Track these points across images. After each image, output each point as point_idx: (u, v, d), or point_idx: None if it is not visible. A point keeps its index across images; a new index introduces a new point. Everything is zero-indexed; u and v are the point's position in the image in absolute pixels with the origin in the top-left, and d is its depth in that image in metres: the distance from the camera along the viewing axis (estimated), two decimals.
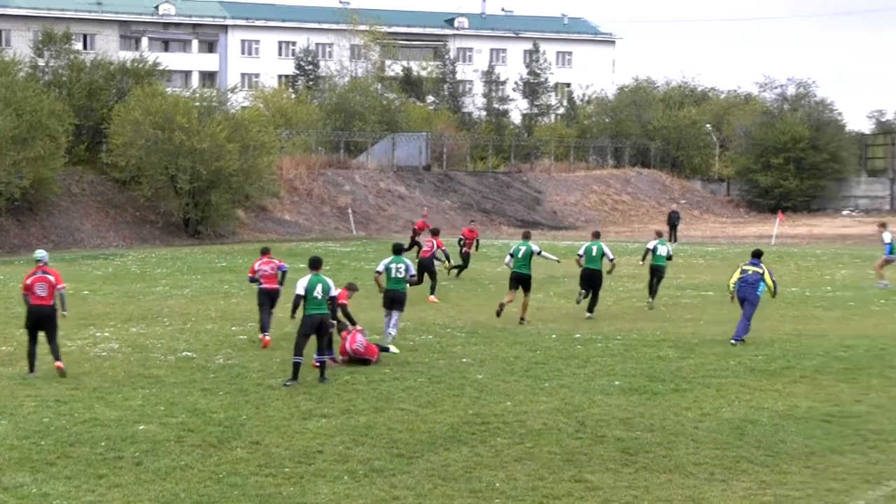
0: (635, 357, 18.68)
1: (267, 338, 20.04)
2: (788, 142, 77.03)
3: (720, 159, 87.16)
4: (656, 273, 26.12)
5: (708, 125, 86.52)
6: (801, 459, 12.08)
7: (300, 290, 16.64)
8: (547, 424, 13.78)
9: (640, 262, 27.89)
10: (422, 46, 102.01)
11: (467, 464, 12.07)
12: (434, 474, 11.69)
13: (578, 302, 24.53)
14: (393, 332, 20.23)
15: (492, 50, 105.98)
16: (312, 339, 16.57)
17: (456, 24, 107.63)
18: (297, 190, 61.28)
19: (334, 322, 17.80)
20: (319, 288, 16.68)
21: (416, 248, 36.23)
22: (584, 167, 79.75)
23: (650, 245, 26.45)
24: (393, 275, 20.26)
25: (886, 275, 30.64)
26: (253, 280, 20.82)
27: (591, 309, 24.25)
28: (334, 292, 17.14)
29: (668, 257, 26.18)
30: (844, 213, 77.22)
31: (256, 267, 20.71)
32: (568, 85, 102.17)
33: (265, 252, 21.12)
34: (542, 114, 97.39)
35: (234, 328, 22.26)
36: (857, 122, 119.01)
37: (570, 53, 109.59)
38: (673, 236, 51.58)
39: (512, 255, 23.15)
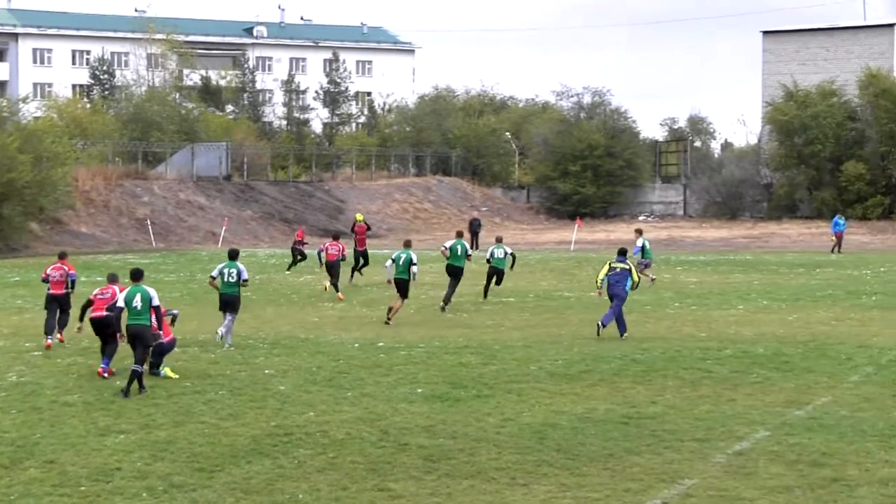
0: (438, 364, 18.74)
1: (49, 341, 20.48)
2: (585, 149, 79.10)
3: (520, 167, 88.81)
4: (495, 274, 28.57)
5: (507, 133, 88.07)
6: (600, 461, 12.30)
7: (120, 302, 16.74)
8: (350, 434, 13.66)
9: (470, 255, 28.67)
10: (220, 55, 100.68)
11: (269, 476, 11.86)
12: (236, 488, 11.44)
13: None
14: (222, 330, 20.86)
15: (291, 59, 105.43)
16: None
17: (255, 32, 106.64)
18: (94, 202, 59.54)
19: (159, 333, 17.41)
20: (138, 298, 16.54)
21: (300, 257, 39.43)
22: (386, 176, 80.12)
23: (490, 251, 29.02)
24: (226, 279, 20.96)
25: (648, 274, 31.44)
26: (45, 281, 21.50)
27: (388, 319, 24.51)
28: (156, 302, 16.74)
29: (512, 255, 28.90)
30: (640, 218, 79.67)
31: (49, 271, 21.39)
32: (368, 94, 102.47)
33: (62, 256, 21.91)
34: (343, 123, 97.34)
35: (27, 344, 21.38)
36: (651, 129, 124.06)
37: (370, 62, 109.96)
38: (475, 244, 52.24)
39: (394, 261, 25.02)
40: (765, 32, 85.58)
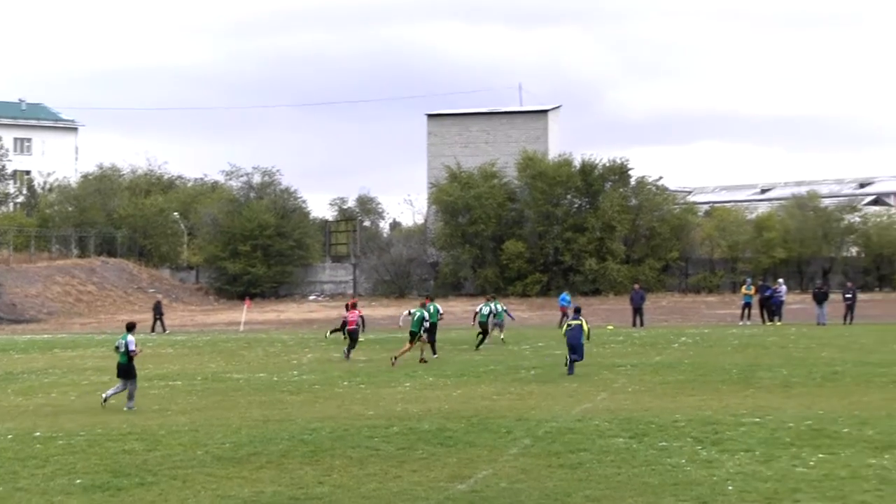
0: (99, 452, 17.96)
1: None
2: (255, 229, 78.98)
3: (189, 247, 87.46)
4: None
5: (175, 213, 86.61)
6: None
7: None
8: None
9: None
10: None
11: None
12: None
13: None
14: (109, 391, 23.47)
15: None
16: None
17: None
18: None
19: None
20: None
21: None
22: (47, 257, 76.95)
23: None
24: (121, 350, 23.52)
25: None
26: None
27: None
28: None
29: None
30: (311, 297, 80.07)
31: None
32: (28, 173, 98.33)
33: None
34: (0, 202, 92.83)
35: None
36: (321, 209, 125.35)
37: (29, 140, 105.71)
38: (159, 326, 51.14)
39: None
40: (429, 115, 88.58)
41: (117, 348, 24.17)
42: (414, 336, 33.29)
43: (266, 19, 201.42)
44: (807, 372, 27.21)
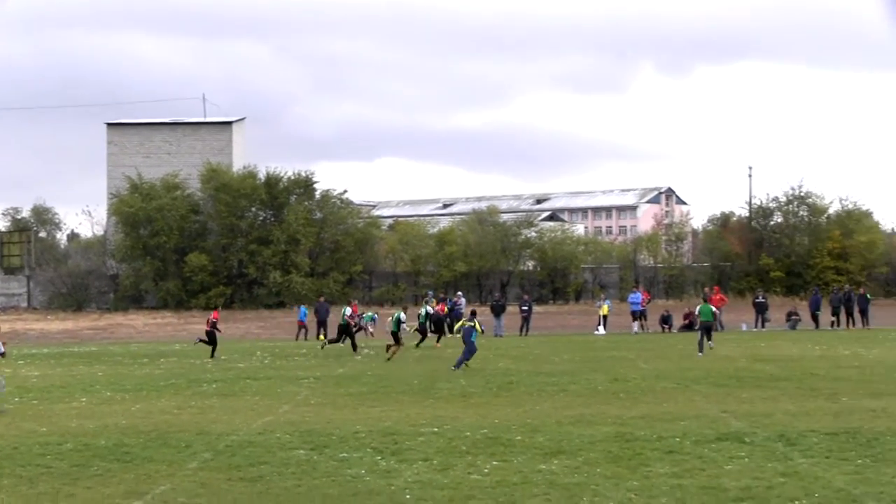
0: None
1: None
2: None
3: None
4: None
5: None
6: None
7: None
8: None
9: None
10: None
11: None
12: None
13: None
14: None
15: None
16: None
17: None
18: None
19: None
20: None
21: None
22: None
23: None
24: None
25: None
26: None
27: None
28: None
29: None
30: None
31: None
32: None
33: None
34: None
35: None
36: None
37: None
38: None
39: None
40: (109, 124, 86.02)
41: None
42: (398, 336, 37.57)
43: None
44: (484, 382, 28.08)
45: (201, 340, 40.30)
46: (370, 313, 51.32)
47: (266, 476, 15.57)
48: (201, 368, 34.28)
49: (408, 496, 13.95)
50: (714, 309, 39.33)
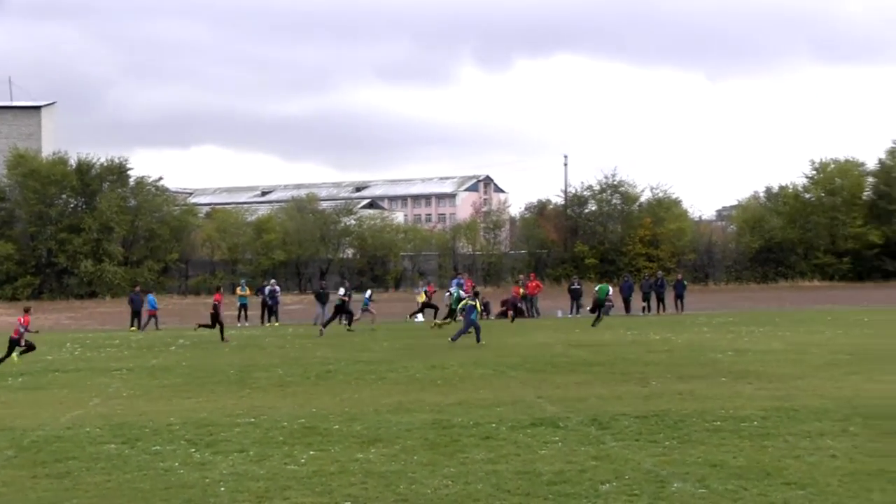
0: None
1: None
2: None
3: None
4: None
5: None
6: None
7: None
8: None
9: None
10: None
11: None
12: None
13: None
14: None
15: None
16: None
17: None
18: None
19: None
20: None
21: None
22: None
23: None
24: None
25: None
26: None
27: None
28: None
29: None
30: None
31: None
32: None
33: None
34: None
35: None
36: None
37: None
38: None
39: None
40: None
41: None
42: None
43: None
44: (302, 371, 27.87)
45: (202, 325, 42.72)
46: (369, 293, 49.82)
47: (74, 472, 15.06)
48: (8, 363, 32.97)
49: (222, 489, 13.70)
50: (609, 289, 45.71)
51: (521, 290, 52.71)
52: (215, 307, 40.81)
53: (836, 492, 12.72)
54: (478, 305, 36.70)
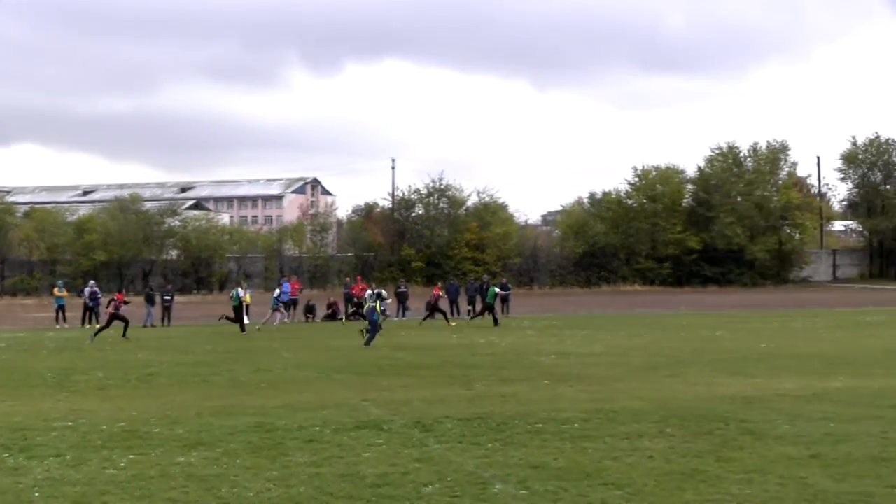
0: None
1: None
2: None
3: None
4: None
5: None
6: None
7: None
8: None
9: None
10: None
11: None
12: None
13: None
14: None
15: None
16: None
17: None
18: None
19: None
20: None
21: None
22: None
23: None
24: None
25: None
26: None
27: None
28: None
29: None
30: None
31: None
32: None
33: None
34: None
35: None
36: None
37: None
38: None
39: None
40: None
41: None
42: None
43: None
44: (123, 374, 27.27)
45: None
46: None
47: None
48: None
49: (37, 494, 13.32)
50: (497, 291, 48.81)
51: (441, 292, 52.25)
52: (116, 307, 39.70)
53: (652, 492, 13.10)
54: (378, 307, 37.19)
